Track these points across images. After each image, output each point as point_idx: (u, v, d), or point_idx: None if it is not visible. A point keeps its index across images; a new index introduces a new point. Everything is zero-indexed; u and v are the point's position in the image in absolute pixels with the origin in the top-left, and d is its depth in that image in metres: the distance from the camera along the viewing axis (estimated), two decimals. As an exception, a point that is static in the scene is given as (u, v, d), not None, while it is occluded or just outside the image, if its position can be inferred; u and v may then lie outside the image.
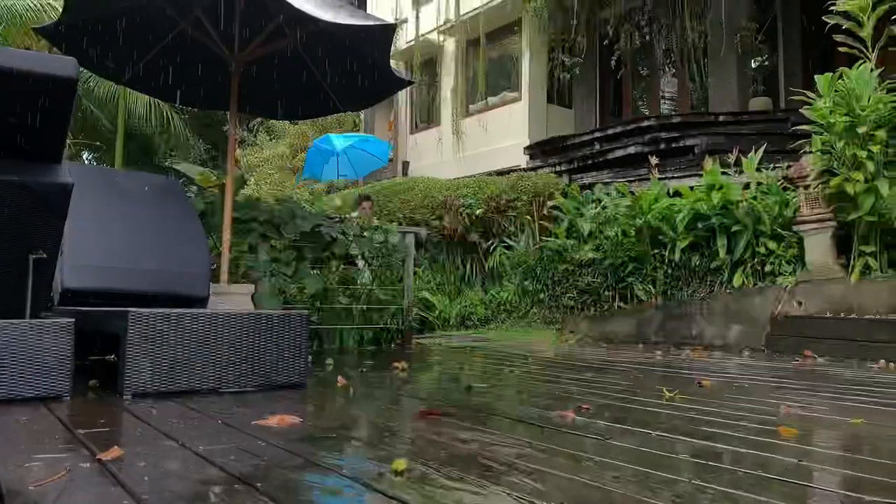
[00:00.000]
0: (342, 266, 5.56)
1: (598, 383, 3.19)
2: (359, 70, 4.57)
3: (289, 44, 4.55)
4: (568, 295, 6.72)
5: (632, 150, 9.03)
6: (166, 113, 13.64)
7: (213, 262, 4.59)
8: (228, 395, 2.68)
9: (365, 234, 5.33)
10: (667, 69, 11.95)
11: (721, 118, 9.43)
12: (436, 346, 5.97)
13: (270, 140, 14.96)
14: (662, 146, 8.71)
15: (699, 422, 2.17)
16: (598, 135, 10.56)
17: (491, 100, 13.65)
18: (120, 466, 1.49)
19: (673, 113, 10.90)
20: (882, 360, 4.23)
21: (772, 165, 6.04)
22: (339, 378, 3.17)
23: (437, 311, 7.94)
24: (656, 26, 10.26)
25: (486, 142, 13.21)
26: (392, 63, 15.63)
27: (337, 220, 5.31)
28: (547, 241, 7.10)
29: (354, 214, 7.41)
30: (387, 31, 3.90)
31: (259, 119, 14.67)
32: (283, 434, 1.90)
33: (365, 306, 5.48)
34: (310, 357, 4.08)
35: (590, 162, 9.71)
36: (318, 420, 2.25)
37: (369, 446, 1.83)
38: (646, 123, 9.63)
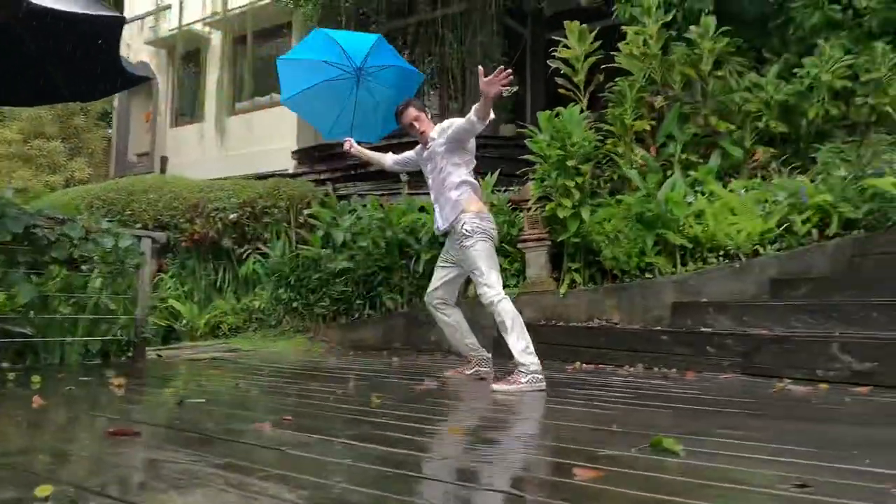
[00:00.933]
0: (65, 272, 5.06)
1: (319, 393, 3.31)
2: (85, 60, 4.22)
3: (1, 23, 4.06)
4: (321, 303, 6.80)
5: (392, 163, 9.41)
6: None
7: None
8: None
9: (92, 236, 4.91)
10: (432, 89, 12.64)
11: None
12: (175, 357, 5.69)
13: (-3, 124, 13.07)
14: (419, 162, 9.21)
15: (388, 426, 2.36)
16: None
17: (259, 100, 13.33)
18: None
19: (433, 131, 11.54)
20: (578, 362, 4.92)
21: (504, 188, 6.71)
22: (36, 398, 2.90)
23: (185, 320, 7.56)
24: (420, 49, 10.82)
25: (253, 142, 12.86)
26: (152, 51, 14.41)
27: (59, 220, 4.82)
28: (303, 249, 7.13)
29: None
30: (112, 23, 3.66)
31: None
32: (-75, 466, 1.71)
33: (92, 316, 5.04)
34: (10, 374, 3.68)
35: (352, 172, 9.93)
36: (-15, 447, 2.05)
37: (27, 472, 1.72)
38: (408, 139, 10.09)
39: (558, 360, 5.22)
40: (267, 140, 12.66)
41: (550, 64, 6.24)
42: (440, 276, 4.17)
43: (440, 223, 3.97)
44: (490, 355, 4.20)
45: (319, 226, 7.08)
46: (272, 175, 9.75)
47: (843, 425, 2.43)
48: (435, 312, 4.21)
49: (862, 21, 6.32)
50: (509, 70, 3.30)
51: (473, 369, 4.10)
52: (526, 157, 6.09)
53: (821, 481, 1.55)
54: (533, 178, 5.92)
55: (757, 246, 5.19)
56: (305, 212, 7.37)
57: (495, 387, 3.53)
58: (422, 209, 6.51)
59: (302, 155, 11.70)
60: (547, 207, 5.70)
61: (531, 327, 5.63)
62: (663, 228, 5.34)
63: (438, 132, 3.93)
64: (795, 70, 6.17)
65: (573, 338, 5.36)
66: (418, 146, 4.17)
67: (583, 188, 5.61)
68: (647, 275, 5.43)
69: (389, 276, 6.48)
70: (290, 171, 11.50)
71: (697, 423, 2.48)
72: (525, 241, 5.83)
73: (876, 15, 6.26)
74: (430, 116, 4.08)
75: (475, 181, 3.97)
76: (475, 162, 4.03)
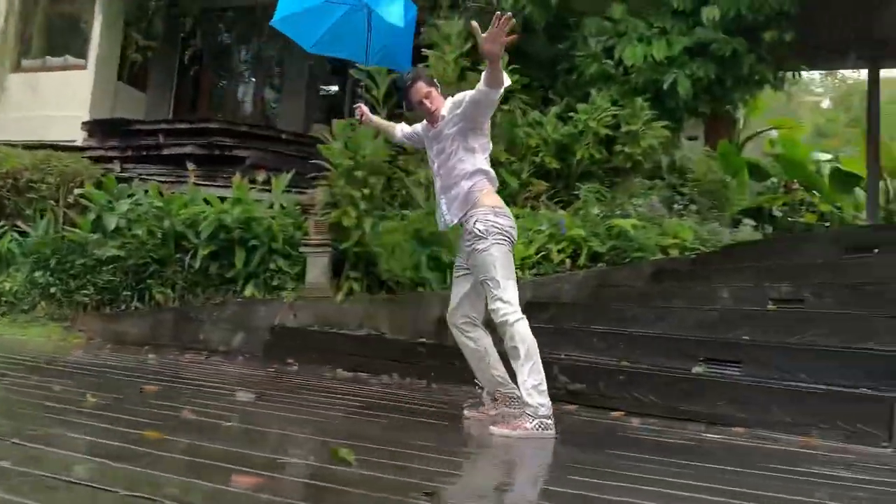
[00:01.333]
0: None
1: (33, 388, 3.09)
2: None
3: None
4: (83, 291, 6.31)
5: (189, 149, 8.96)
6: None
7: None
8: None
9: None
10: (245, 77, 12.24)
11: (284, 136, 10.04)
12: None
13: None
14: (217, 152, 8.88)
15: (88, 429, 2.28)
16: (164, 126, 10.20)
17: (51, 60, 12.03)
18: None
19: (241, 122, 11.12)
20: (338, 369, 5.04)
21: (295, 190, 6.71)
22: None
23: (-85, 298, 6.63)
24: (235, 34, 10.47)
25: (38, 106, 11.56)
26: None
27: None
28: (71, 231, 6.58)
29: None
30: None
31: None
32: None
33: None
34: None
35: (144, 153, 9.32)
36: None
37: None
38: (212, 125, 9.68)
39: (325, 365, 5.31)
40: (55, 106, 11.46)
41: (352, 74, 6.36)
42: (458, 290, 3.34)
43: (447, 218, 3.26)
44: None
45: (93, 208, 6.57)
46: (55, 146, 8.87)
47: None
48: (458, 335, 3.34)
49: (630, 78, 7.19)
50: (508, 14, 2.74)
51: (499, 409, 3.23)
52: (315, 161, 6.15)
53: (449, 490, 1.77)
54: (323, 184, 5.99)
55: (517, 270, 5.67)
56: (77, 191, 6.80)
57: (494, 430, 2.90)
58: (206, 201, 6.31)
59: (93, 127, 10.74)
60: (332, 214, 5.78)
61: (304, 332, 5.72)
62: (437, 246, 5.66)
63: (449, 108, 3.23)
64: (572, 113, 6.86)
65: (342, 345, 5.47)
66: (425, 122, 3.44)
67: (371, 199, 5.77)
68: (420, 289, 5.71)
69: (163, 268, 6.19)
70: (79, 143, 10.52)
71: (400, 433, 2.68)
72: (308, 245, 5.86)
73: (641, 74, 7.15)
74: (440, 90, 3.37)
75: (492, 170, 3.30)
76: (491, 146, 3.39)
